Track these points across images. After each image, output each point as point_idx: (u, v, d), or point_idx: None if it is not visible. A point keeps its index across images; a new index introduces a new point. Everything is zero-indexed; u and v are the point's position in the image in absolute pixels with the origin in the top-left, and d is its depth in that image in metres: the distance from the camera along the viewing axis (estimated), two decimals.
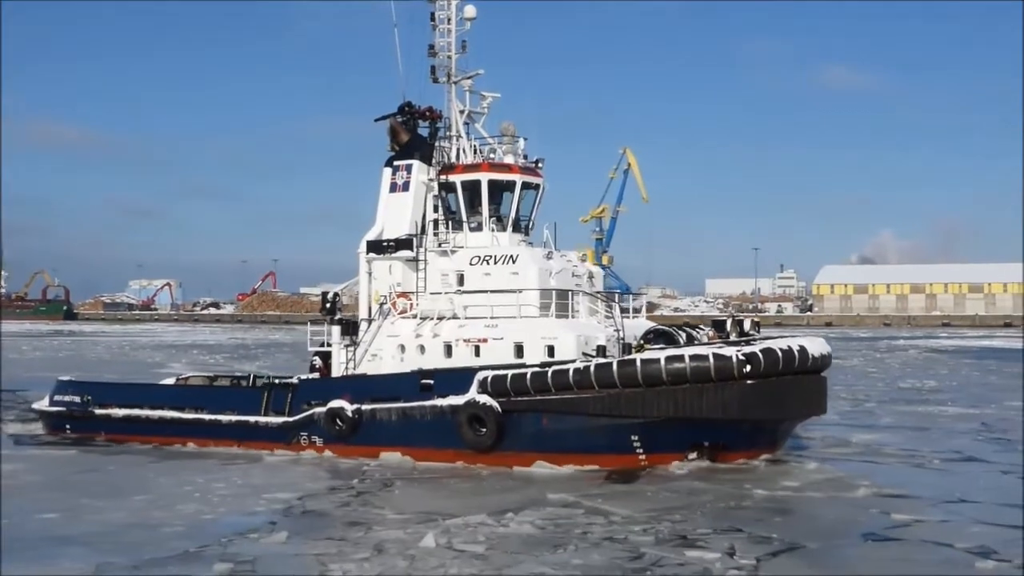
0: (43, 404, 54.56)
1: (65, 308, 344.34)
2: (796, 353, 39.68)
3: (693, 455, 40.50)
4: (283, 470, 43.61)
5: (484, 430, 40.64)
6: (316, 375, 49.13)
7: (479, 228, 46.27)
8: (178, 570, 26.88)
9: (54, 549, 28.92)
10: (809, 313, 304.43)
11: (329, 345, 49.01)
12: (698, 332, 43.72)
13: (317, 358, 49.83)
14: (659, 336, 42.80)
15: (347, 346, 47.26)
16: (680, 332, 42.96)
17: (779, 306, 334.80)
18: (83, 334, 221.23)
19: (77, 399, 52.71)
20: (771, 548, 28.54)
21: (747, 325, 43.70)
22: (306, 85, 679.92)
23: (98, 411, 51.55)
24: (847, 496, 35.84)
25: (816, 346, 41.19)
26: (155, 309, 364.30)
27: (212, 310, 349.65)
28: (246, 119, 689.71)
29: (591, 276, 47.18)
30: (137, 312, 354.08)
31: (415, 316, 45.47)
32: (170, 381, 56.21)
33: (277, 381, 50.62)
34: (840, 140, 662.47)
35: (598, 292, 46.77)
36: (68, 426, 52.76)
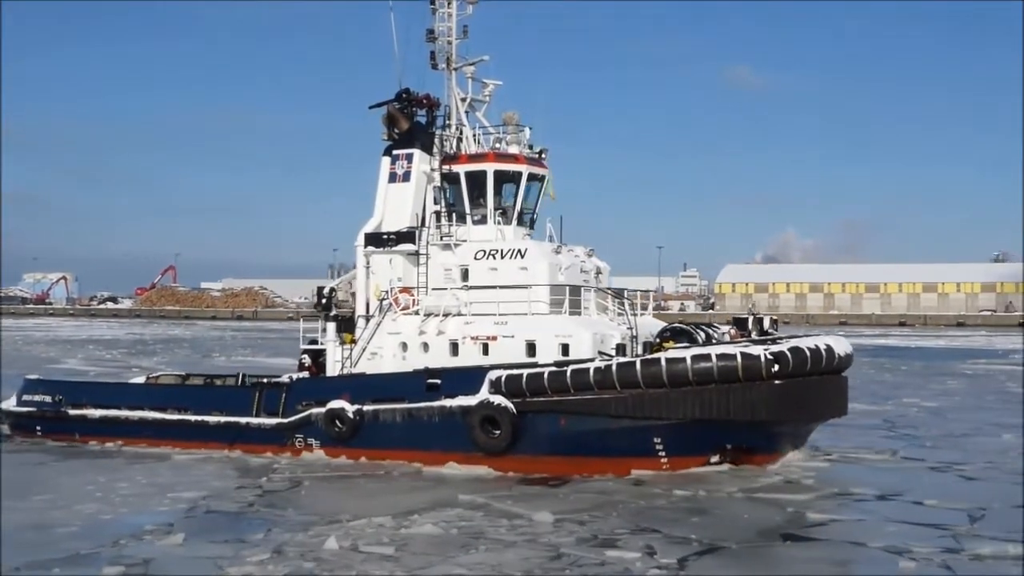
0: (10, 404, 51.62)
1: None
2: (823, 352, 38.59)
3: (715, 458, 39.19)
4: (191, 468, 42.45)
5: (498, 432, 38.62)
6: (305, 374, 46.77)
7: (483, 221, 44.50)
8: (66, 571, 25.66)
9: None
10: (711, 311, 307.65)
11: (317, 343, 46.95)
12: (715, 331, 42.27)
13: (306, 356, 47.38)
14: (677, 335, 41.04)
15: (343, 344, 45.14)
16: (699, 331, 41.40)
17: (682, 304, 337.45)
18: None
19: (48, 399, 50.07)
20: (691, 548, 28.16)
21: (767, 323, 42.60)
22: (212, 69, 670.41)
23: (72, 412, 48.88)
24: (762, 496, 35.42)
25: (841, 345, 40.17)
26: (50, 303, 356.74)
27: (110, 304, 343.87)
28: (146, 103, 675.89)
29: (599, 272, 45.55)
30: (31, 307, 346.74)
31: (418, 312, 43.61)
32: (140, 380, 53.73)
33: (266, 380, 48.09)
34: (745, 138, 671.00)
35: (609, 289, 45.28)
36: (39, 427, 49.94)
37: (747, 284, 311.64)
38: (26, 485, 37.80)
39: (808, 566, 26.54)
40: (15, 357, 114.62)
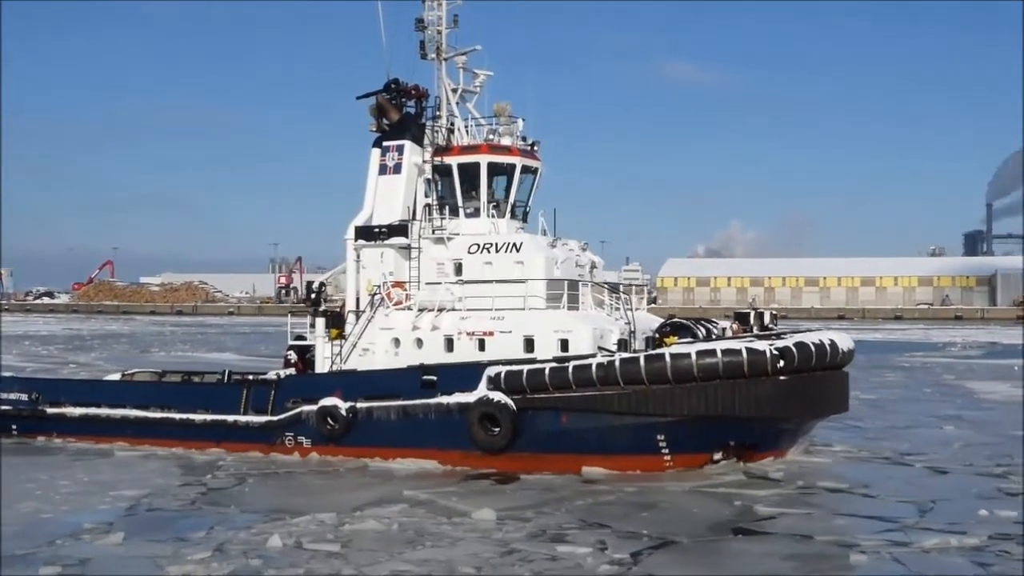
0: None
1: None
2: (828, 348, 38.09)
3: (719, 455, 38.43)
4: (134, 466, 41.74)
5: (497, 430, 37.75)
6: (291, 370, 45.60)
7: (476, 214, 43.46)
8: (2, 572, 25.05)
9: None
10: (653, 305, 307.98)
11: (304, 338, 46.05)
12: (713, 326, 41.33)
13: (292, 352, 46.23)
14: (678, 329, 39.97)
15: (333, 339, 44.04)
16: (699, 326, 40.56)
17: None
18: None
19: (24, 397, 48.51)
20: (643, 543, 28.04)
21: (767, 318, 41.94)
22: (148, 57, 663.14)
23: (50, 410, 47.48)
24: (710, 491, 35.25)
25: (844, 340, 39.67)
26: None
27: (46, 299, 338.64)
28: (85, 97, 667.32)
29: (594, 266, 44.73)
30: None
31: (411, 307, 42.63)
32: (115, 377, 52.30)
33: (252, 377, 47.11)
34: (687, 133, 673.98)
35: (605, 283, 44.53)
36: (15, 427, 48.42)
37: (689, 278, 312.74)
38: None
39: (760, 560, 26.43)
40: None
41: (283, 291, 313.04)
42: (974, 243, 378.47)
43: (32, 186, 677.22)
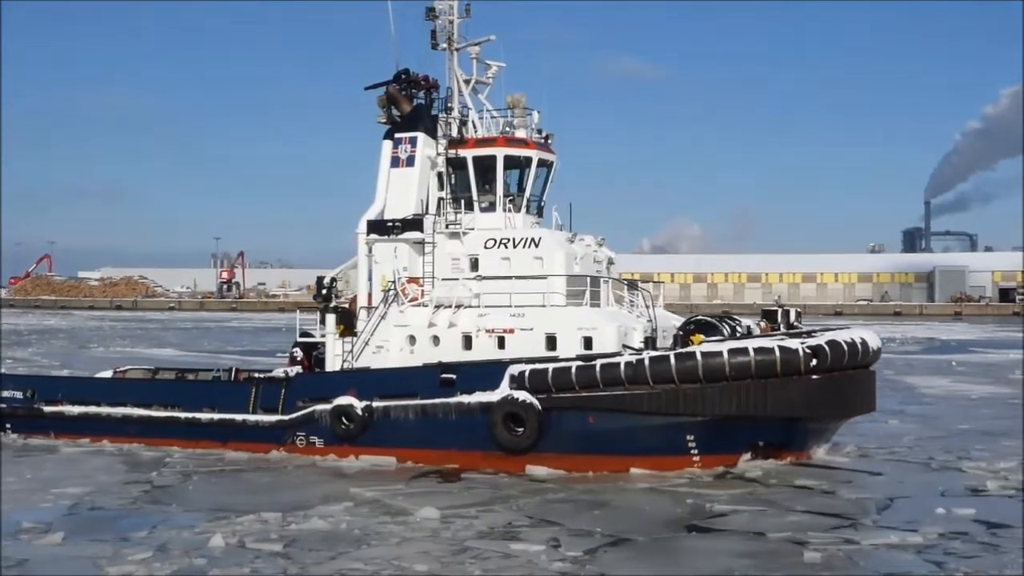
0: None
1: None
2: (859, 346, 37.53)
3: (748, 456, 37.74)
4: (79, 463, 41.01)
5: (522, 430, 36.82)
6: (298, 368, 44.28)
7: (491, 208, 42.48)
8: None
9: None
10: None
11: (310, 335, 44.95)
12: (737, 324, 40.12)
13: (297, 349, 45.05)
14: (703, 327, 38.83)
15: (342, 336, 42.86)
16: (723, 323, 39.50)
17: None
18: None
19: (19, 395, 47.26)
20: (596, 541, 27.86)
21: (792, 316, 41.36)
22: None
23: (47, 408, 46.10)
24: (663, 488, 35.02)
25: (873, 338, 39.09)
26: None
27: None
28: (23, 86, 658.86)
29: (611, 262, 43.99)
30: None
31: (427, 304, 41.57)
32: (107, 374, 50.71)
33: (259, 375, 45.67)
34: (634, 126, 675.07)
35: (624, 279, 43.80)
36: (9, 425, 47.01)
37: (632, 273, 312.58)
38: None
39: (713, 557, 26.32)
40: None
41: (225, 286, 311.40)
42: (913, 240, 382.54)
43: None
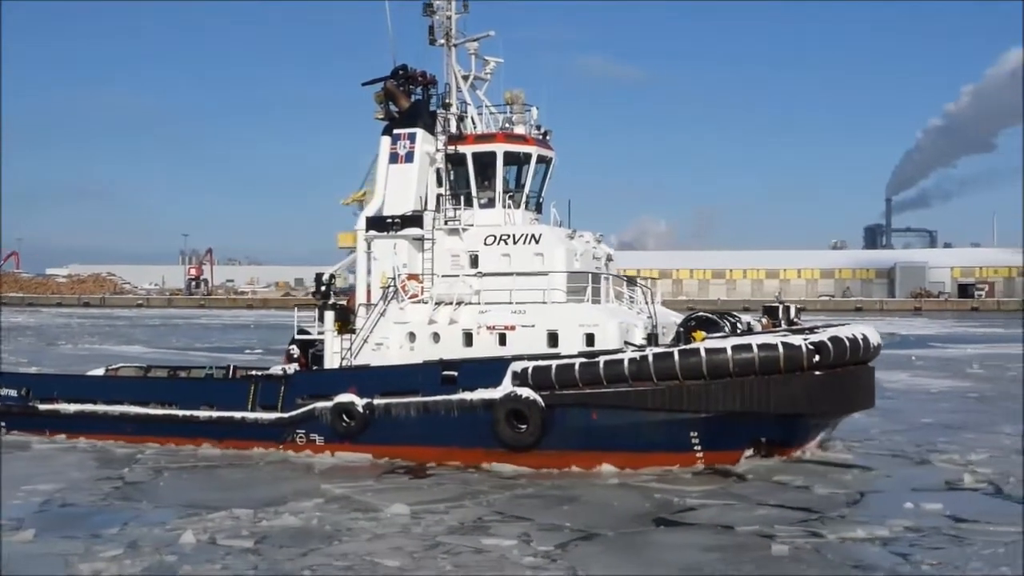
0: None
1: None
2: (861, 342, 37.37)
3: (750, 452, 37.50)
4: (50, 459, 40.70)
5: (525, 427, 36.33)
6: (295, 366, 43.76)
7: (490, 204, 42.02)
8: None
9: None
10: None
11: (307, 332, 44.54)
12: (737, 320, 40.12)
13: (294, 347, 44.49)
14: (704, 324, 38.53)
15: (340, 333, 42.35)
16: (724, 319, 39.28)
17: None
18: None
19: (14, 393, 46.60)
20: (566, 536, 27.89)
21: (792, 312, 40.91)
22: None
23: (42, 407, 45.41)
24: (633, 483, 35.00)
25: (873, 334, 38.90)
26: None
27: None
28: None
29: (609, 258, 43.72)
30: None
31: (427, 301, 41.13)
32: (99, 372, 49.76)
33: (260, 372, 45.17)
34: (602, 125, 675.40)
35: (623, 276, 43.44)
36: (3, 423, 46.31)
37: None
38: None
39: (682, 551, 26.37)
40: None
41: (193, 283, 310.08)
42: (874, 236, 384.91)
43: None
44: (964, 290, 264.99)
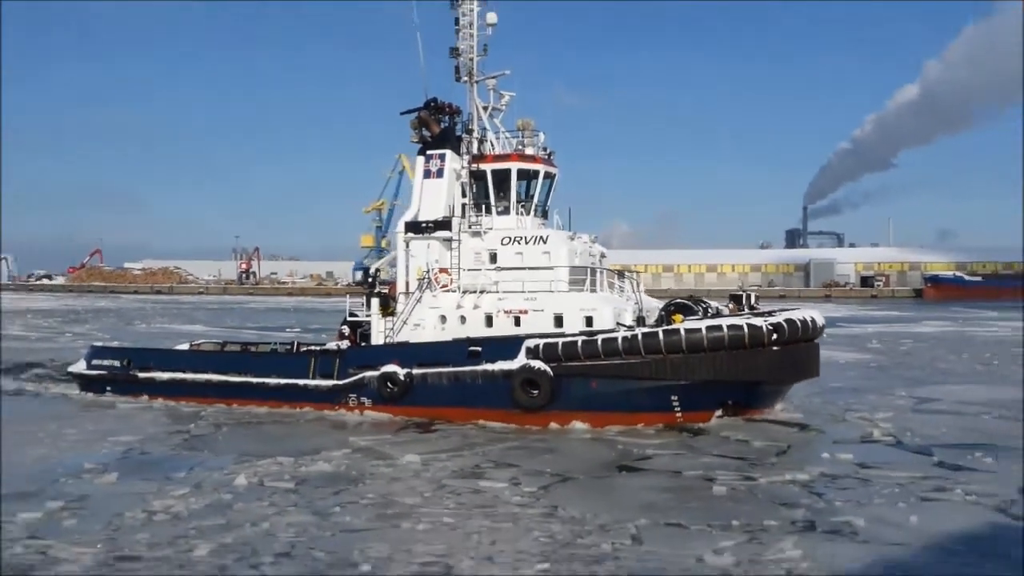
0: (80, 368, 47.88)
1: None
2: (810, 323, 37.37)
3: (719, 413, 37.25)
4: (132, 417, 40.40)
5: (537, 392, 36.39)
6: (345, 343, 43.78)
7: (506, 212, 41.96)
8: (13, 508, 23.96)
9: None
10: None
11: (356, 316, 44.22)
12: (708, 305, 40.10)
13: (345, 327, 44.52)
14: (681, 308, 38.83)
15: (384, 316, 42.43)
16: (697, 305, 39.55)
17: None
18: None
19: (117, 363, 46.50)
20: (547, 480, 27.83)
21: (753, 299, 40.63)
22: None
23: (141, 375, 45.36)
24: (602, 438, 34.93)
25: (819, 316, 38.80)
26: None
27: (45, 281, 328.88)
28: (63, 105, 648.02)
29: (602, 255, 43.66)
30: None
31: (455, 290, 41.28)
32: (184, 347, 49.74)
33: (318, 348, 44.97)
34: (569, 147, 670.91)
35: (614, 270, 43.15)
36: (109, 388, 46.29)
37: None
38: None
39: (640, 491, 26.35)
40: None
41: (243, 275, 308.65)
42: (793, 238, 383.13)
43: (33, 184, 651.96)
44: (865, 281, 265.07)
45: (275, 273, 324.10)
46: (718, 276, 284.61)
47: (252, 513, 23.64)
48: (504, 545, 20.82)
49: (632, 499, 25.19)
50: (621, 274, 43.00)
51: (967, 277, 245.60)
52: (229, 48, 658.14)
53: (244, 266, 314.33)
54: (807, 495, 25.61)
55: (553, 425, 36.72)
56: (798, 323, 36.73)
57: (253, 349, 48.41)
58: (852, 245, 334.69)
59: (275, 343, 49.93)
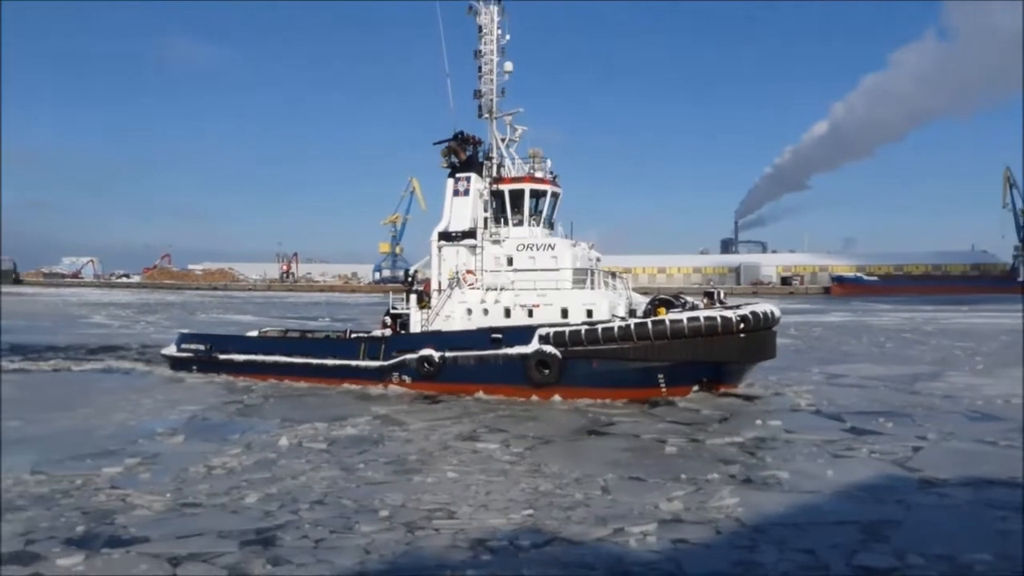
0: (171, 351, 47.23)
1: (14, 276, 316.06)
2: (770, 314, 37.14)
3: (696, 388, 37.07)
4: (196, 390, 39.88)
5: (548, 371, 36.07)
6: (388, 331, 43.12)
7: (520, 224, 41.36)
8: (99, 463, 23.78)
9: (9, 447, 25.64)
10: None
11: (397, 308, 43.68)
12: (683, 299, 39.50)
13: (388, 318, 43.91)
14: (664, 303, 38.48)
15: (423, 309, 42.11)
16: (677, 299, 39.20)
17: None
18: (27, 295, 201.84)
19: (202, 347, 46.02)
20: (531, 442, 27.56)
21: (721, 295, 40.82)
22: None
23: (221, 356, 44.89)
24: (576, 408, 34.64)
25: (776, 309, 38.46)
26: (82, 278, 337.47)
27: (124, 279, 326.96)
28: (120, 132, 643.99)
29: (598, 259, 43.07)
30: (68, 280, 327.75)
31: (479, 288, 40.78)
32: (253, 334, 49.07)
33: (366, 335, 44.29)
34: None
35: (608, 271, 42.40)
36: (195, 367, 45.75)
37: None
38: (72, 400, 35.36)
39: (605, 451, 26.21)
40: (59, 314, 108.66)
41: (284, 275, 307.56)
42: (727, 245, 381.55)
43: (109, 204, 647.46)
44: (785, 281, 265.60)
45: (310, 273, 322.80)
46: (666, 277, 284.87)
47: (292, 468, 23.43)
48: (497, 495, 20.63)
49: (600, 458, 25.04)
50: (613, 275, 42.65)
51: (865, 277, 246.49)
52: (269, 91, 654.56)
53: (285, 267, 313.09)
54: (742, 454, 25.51)
55: (556, 398, 36.33)
56: (760, 314, 36.62)
57: (310, 335, 47.89)
58: (774, 251, 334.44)
59: (330, 331, 48.85)
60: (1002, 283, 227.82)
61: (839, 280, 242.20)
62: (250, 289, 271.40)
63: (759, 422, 30.63)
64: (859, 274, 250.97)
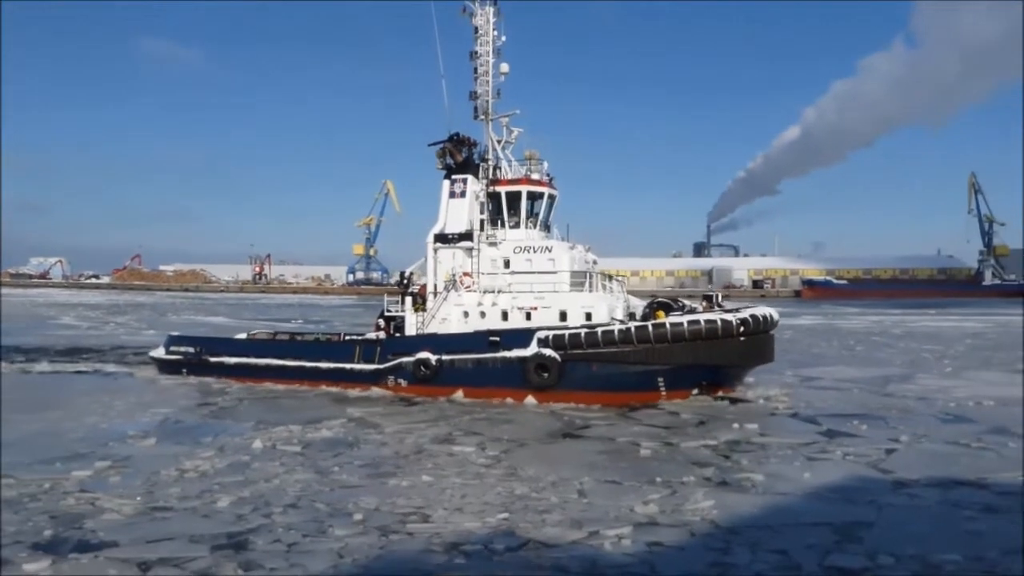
0: (159, 353, 46.15)
1: None
2: (769, 318, 36.82)
3: (695, 391, 36.45)
4: (169, 391, 39.41)
5: (547, 374, 35.44)
6: (382, 334, 42.43)
7: (517, 226, 40.74)
8: (68, 466, 23.41)
9: None
10: None
11: (390, 310, 42.97)
12: (681, 302, 39.39)
13: (382, 320, 43.17)
14: (663, 306, 38.14)
15: (417, 311, 41.33)
16: (676, 303, 38.95)
17: None
18: None
19: (192, 350, 44.94)
20: (507, 445, 27.46)
21: (719, 299, 40.56)
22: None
23: (211, 359, 43.88)
24: (550, 412, 34.54)
25: (774, 313, 38.11)
26: (50, 279, 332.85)
27: (94, 280, 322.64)
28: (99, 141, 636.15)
29: (595, 262, 42.78)
30: (36, 280, 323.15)
31: (476, 290, 40.16)
32: (242, 336, 48.10)
33: (361, 337, 43.40)
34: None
35: (606, 274, 42.23)
36: (185, 370, 44.65)
37: None
38: (43, 403, 34.78)
39: (580, 454, 26.18)
40: (26, 315, 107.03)
41: (257, 276, 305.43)
42: (700, 249, 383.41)
43: (81, 204, 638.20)
44: (756, 284, 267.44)
45: (283, 275, 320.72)
46: (640, 279, 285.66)
47: (266, 471, 23.21)
48: (472, 498, 20.52)
49: (576, 461, 24.99)
50: (610, 277, 42.52)
51: (835, 280, 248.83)
52: (233, 94, 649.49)
53: (257, 269, 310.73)
54: (717, 457, 25.53)
55: (554, 404, 35.73)
56: (760, 318, 36.40)
57: (299, 338, 47.15)
58: (745, 255, 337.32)
59: (320, 334, 48.47)
60: (967, 287, 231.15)
61: (810, 284, 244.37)
62: (222, 291, 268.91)
63: (735, 425, 30.63)
64: (829, 278, 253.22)
